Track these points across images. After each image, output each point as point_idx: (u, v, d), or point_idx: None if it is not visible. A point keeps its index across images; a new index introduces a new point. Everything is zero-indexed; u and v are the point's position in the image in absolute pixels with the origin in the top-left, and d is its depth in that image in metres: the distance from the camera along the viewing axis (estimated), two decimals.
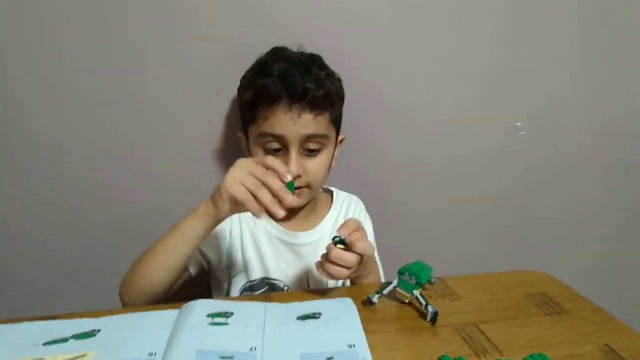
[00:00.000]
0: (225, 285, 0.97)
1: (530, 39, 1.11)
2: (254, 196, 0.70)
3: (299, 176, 0.89)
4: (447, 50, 1.09)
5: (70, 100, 0.99)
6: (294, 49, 0.97)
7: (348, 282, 0.92)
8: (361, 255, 0.74)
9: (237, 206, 0.73)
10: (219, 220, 0.78)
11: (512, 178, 1.23)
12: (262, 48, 0.96)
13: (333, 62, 0.96)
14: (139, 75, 0.99)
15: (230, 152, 1.07)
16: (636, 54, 1.17)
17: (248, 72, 0.95)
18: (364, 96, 1.06)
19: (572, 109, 1.19)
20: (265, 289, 0.95)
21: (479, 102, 1.15)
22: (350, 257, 0.74)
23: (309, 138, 0.89)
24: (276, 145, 0.89)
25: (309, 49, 0.97)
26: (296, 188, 0.90)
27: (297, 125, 0.87)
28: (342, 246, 0.75)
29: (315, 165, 0.92)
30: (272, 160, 0.74)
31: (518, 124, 1.20)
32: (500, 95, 1.15)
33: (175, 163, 1.06)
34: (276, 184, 0.70)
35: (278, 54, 0.93)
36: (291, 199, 0.70)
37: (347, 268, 0.74)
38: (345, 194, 1.08)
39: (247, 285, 0.95)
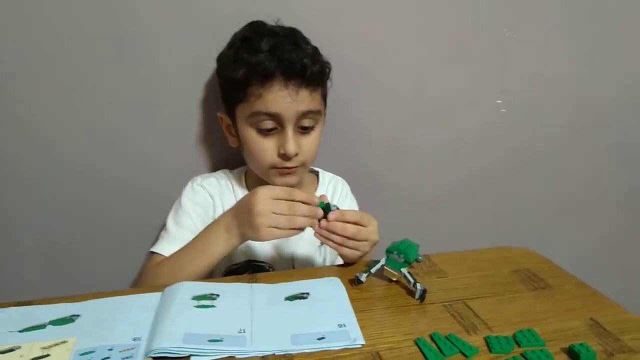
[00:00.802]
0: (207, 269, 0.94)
1: (516, 20, 1.10)
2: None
3: (296, 154, 0.87)
4: (434, 32, 1.07)
5: (53, 67, 0.93)
6: (272, 23, 0.93)
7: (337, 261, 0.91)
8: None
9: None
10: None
11: (499, 159, 1.23)
12: (238, 27, 0.92)
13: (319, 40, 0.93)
14: (112, 59, 0.95)
15: (208, 134, 1.03)
16: (622, 35, 1.18)
17: (228, 49, 0.90)
18: (350, 75, 1.03)
19: (559, 90, 1.19)
20: (250, 272, 0.93)
21: (467, 84, 1.14)
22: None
23: (305, 115, 0.86)
24: (270, 124, 0.86)
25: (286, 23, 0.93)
26: (292, 167, 0.89)
27: (294, 102, 0.84)
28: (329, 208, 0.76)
29: (310, 143, 0.90)
30: (297, 194, 0.75)
31: (498, 101, 1.19)
32: (487, 77, 1.14)
33: (152, 150, 1.02)
34: (304, 210, 0.74)
35: (261, 29, 0.89)
36: (320, 213, 0.75)
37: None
38: (331, 175, 1.06)
39: (232, 268, 0.93)
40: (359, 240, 0.76)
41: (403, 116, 1.13)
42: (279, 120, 0.85)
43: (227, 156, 1.04)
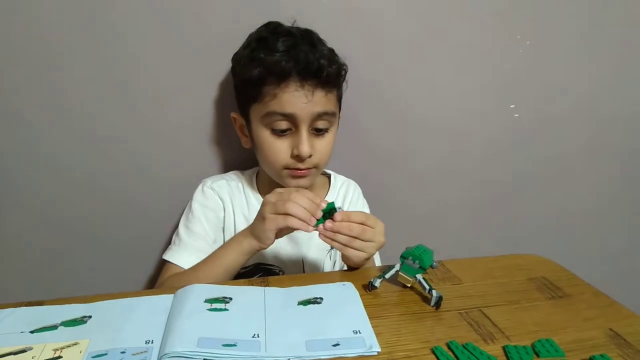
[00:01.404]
0: None
1: (532, 32, 1.09)
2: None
3: (309, 156, 0.86)
4: (447, 42, 1.06)
5: (54, 84, 0.93)
6: (288, 24, 0.92)
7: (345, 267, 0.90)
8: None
9: (281, 232, 0.77)
10: (263, 249, 0.80)
11: (510, 166, 1.22)
12: (251, 28, 0.91)
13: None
14: (123, 60, 0.94)
15: (221, 135, 1.02)
16: (637, 47, 1.17)
17: (244, 49, 0.89)
18: (361, 83, 1.02)
19: (571, 97, 1.18)
20: (260, 275, 0.92)
21: (478, 94, 1.13)
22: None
23: (319, 116, 0.85)
24: (284, 125, 0.85)
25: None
26: (304, 169, 0.88)
27: (310, 103, 0.83)
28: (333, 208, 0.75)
29: (324, 145, 0.89)
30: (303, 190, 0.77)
31: (512, 106, 1.18)
32: (499, 87, 1.13)
33: (164, 149, 1.01)
34: (304, 202, 0.74)
35: (277, 29, 0.88)
36: (319, 214, 0.74)
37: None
38: (343, 178, 1.05)
39: (242, 271, 0.92)
40: (364, 241, 0.75)
41: (413, 125, 1.12)
42: (293, 121, 0.84)
43: (239, 157, 1.04)
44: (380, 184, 1.15)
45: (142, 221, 1.04)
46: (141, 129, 0.99)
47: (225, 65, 0.95)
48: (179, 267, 0.89)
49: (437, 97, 1.11)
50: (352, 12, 0.99)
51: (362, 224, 0.75)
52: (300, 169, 0.88)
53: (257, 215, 0.79)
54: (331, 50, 0.89)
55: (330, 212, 0.74)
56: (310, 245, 0.94)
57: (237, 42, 0.91)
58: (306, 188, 0.89)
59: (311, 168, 0.89)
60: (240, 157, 1.03)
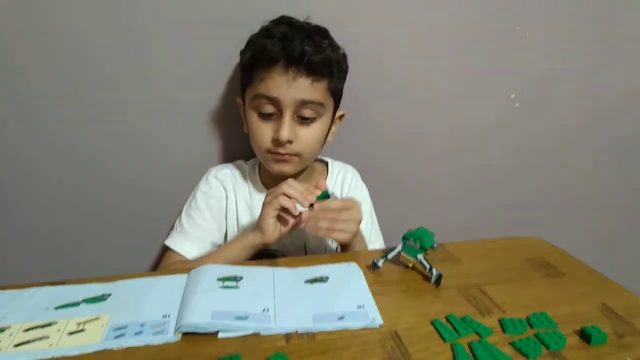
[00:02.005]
0: None
1: (527, 14, 1.12)
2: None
3: (289, 142, 0.89)
4: (447, 26, 1.09)
5: (65, 61, 0.96)
6: (301, 19, 0.95)
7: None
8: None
9: (281, 224, 0.84)
10: (267, 244, 0.85)
11: (509, 151, 1.25)
12: (269, 17, 0.95)
13: (337, 37, 0.95)
14: (138, 39, 0.97)
15: (229, 119, 1.06)
16: (631, 30, 1.19)
17: (252, 36, 0.93)
18: (364, 68, 1.05)
19: (568, 83, 1.21)
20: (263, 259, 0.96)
21: (478, 76, 1.16)
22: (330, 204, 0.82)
23: (304, 104, 0.88)
24: (270, 108, 0.88)
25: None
26: (285, 154, 0.91)
27: (292, 88, 0.86)
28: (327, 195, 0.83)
29: (308, 134, 0.91)
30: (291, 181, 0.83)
31: (512, 95, 1.21)
32: (498, 70, 1.16)
33: (174, 129, 1.05)
34: (295, 185, 0.82)
35: (282, 20, 0.92)
36: (317, 193, 0.83)
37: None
38: (341, 164, 1.08)
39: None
40: (343, 221, 0.82)
41: (414, 108, 1.15)
42: (277, 105, 0.87)
43: (243, 146, 1.07)
44: (384, 168, 1.18)
45: (153, 205, 1.08)
46: (153, 116, 1.03)
47: (233, 55, 0.97)
48: (180, 254, 0.93)
49: (438, 81, 1.14)
50: (356, 18, 1.03)
51: (340, 209, 0.82)
52: (280, 154, 0.91)
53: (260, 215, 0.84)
54: (332, 45, 0.91)
55: (324, 198, 0.81)
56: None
57: (247, 33, 0.94)
58: (293, 175, 0.94)
59: (293, 155, 0.91)
60: (247, 144, 1.07)
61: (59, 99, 0.98)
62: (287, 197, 0.81)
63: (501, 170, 1.26)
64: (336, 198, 0.83)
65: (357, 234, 0.86)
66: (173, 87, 1.01)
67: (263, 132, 0.90)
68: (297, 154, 0.92)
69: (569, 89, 1.22)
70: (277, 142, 0.89)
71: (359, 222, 0.85)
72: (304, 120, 0.90)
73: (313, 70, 0.87)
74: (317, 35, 0.90)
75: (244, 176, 1.01)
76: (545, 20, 1.14)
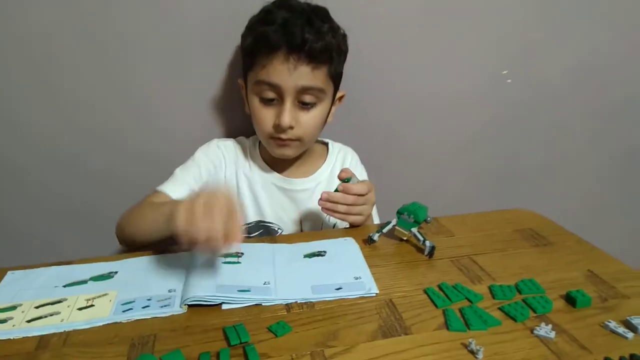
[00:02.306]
0: None
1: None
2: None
3: (291, 128, 0.90)
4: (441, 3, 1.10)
5: (74, 44, 0.97)
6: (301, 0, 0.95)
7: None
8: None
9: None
10: None
11: (495, 119, 1.27)
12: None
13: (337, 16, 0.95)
14: (142, 20, 0.98)
15: (231, 98, 1.07)
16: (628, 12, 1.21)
17: (252, 18, 0.93)
18: (361, 60, 1.06)
19: (553, 52, 1.22)
20: (260, 232, 0.99)
21: (470, 53, 1.17)
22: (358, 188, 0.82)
23: (305, 90, 0.89)
24: (271, 94, 0.89)
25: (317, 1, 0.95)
26: (287, 139, 0.92)
27: (293, 76, 0.87)
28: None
29: (309, 119, 0.92)
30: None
31: (504, 72, 1.23)
32: (485, 40, 1.17)
33: (177, 109, 1.07)
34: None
35: (283, 3, 0.92)
36: (342, 175, 0.83)
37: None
38: (340, 145, 1.09)
39: (243, 227, 0.97)
40: (359, 205, 0.84)
41: (409, 98, 1.17)
42: (279, 92, 0.89)
43: (244, 122, 1.09)
44: (380, 155, 1.20)
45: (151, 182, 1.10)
46: (156, 95, 1.04)
47: (235, 34, 0.97)
48: (165, 194, 0.91)
49: (435, 72, 1.16)
50: None
51: (360, 194, 0.83)
52: (282, 139, 0.92)
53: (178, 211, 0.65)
54: (331, 28, 0.91)
55: (347, 181, 0.82)
56: (309, 205, 1.00)
57: (247, 14, 0.94)
58: (294, 158, 0.97)
59: (294, 140, 0.93)
60: (246, 122, 1.08)
61: (55, 94, 1.00)
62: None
63: (488, 139, 1.28)
64: (358, 181, 0.84)
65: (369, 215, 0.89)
66: (175, 67, 1.02)
67: (265, 117, 0.92)
68: (298, 139, 0.93)
69: (551, 58, 1.23)
70: (278, 127, 0.90)
71: (373, 203, 0.88)
72: (305, 106, 0.91)
73: (314, 58, 0.87)
74: (317, 19, 0.90)
75: (245, 151, 1.03)
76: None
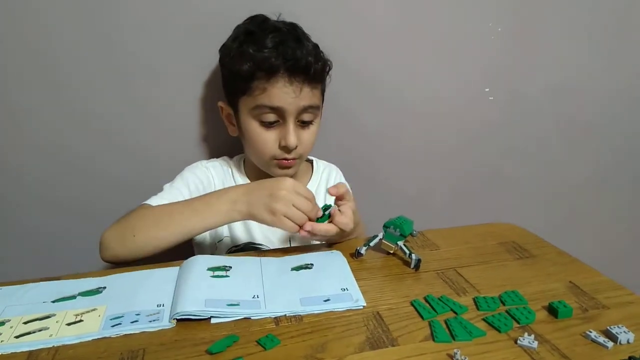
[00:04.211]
0: (209, 252, 0.98)
1: (505, 17, 1.18)
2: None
3: (296, 147, 0.92)
4: (427, 29, 1.14)
5: (50, 64, 0.98)
6: (273, 17, 0.97)
7: None
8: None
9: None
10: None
11: (491, 149, 1.32)
12: (238, 19, 0.97)
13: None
14: (121, 40, 0.99)
15: (212, 120, 1.08)
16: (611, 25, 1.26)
17: (232, 42, 0.93)
18: (348, 70, 1.09)
19: (546, 82, 1.27)
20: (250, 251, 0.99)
21: (457, 78, 1.21)
22: (331, 229, 0.79)
23: (305, 110, 0.91)
24: (272, 117, 0.90)
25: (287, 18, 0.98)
26: (291, 159, 0.94)
27: (298, 98, 0.88)
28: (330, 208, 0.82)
29: (309, 136, 0.95)
30: (311, 195, 0.80)
31: (487, 89, 1.26)
32: (477, 72, 1.22)
33: (158, 130, 1.08)
34: (313, 214, 0.78)
35: (264, 24, 0.93)
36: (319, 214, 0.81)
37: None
38: (325, 162, 1.11)
39: (233, 249, 0.98)
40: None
41: (396, 108, 1.20)
42: (281, 114, 0.90)
43: (225, 144, 1.10)
44: (367, 165, 1.22)
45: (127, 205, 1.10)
46: (136, 117, 1.05)
47: (213, 55, 0.99)
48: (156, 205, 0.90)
49: (419, 81, 1.19)
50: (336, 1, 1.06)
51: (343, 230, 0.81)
52: (287, 159, 0.94)
53: (264, 201, 0.78)
54: (316, 46, 0.94)
55: (325, 210, 0.82)
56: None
57: (225, 31, 0.96)
58: (291, 176, 0.96)
59: (297, 158, 0.95)
60: (227, 144, 1.09)
61: (46, 102, 1.00)
62: (293, 224, 0.77)
63: (484, 165, 1.32)
64: (334, 207, 0.82)
65: (342, 236, 0.85)
66: (156, 89, 1.04)
67: (268, 140, 0.92)
68: (299, 157, 0.95)
69: (545, 83, 1.27)
70: (285, 148, 0.91)
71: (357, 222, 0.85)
72: (304, 124, 0.93)
73: (314, 78, 0.90)
74: (302, 37, 0.93)
75: (230, 173, 1.03)
76: (522, 19, 1.19)
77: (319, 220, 0.80)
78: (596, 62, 1.30)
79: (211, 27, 0.99)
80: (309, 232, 0.77)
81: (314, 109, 0.93)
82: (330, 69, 0.98)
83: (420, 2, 1.11)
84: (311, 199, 0.79)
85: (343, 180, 1.10)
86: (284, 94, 0.88)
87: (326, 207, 0.82)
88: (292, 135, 0.90)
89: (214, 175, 1.01)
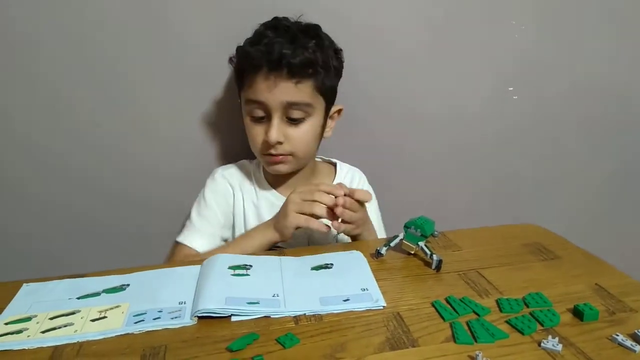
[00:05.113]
0: None
1: (527, 16, 1.16)
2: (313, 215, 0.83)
3: (279, 143, 0.92)
4: (444, 18, 1.12)
5: (75, 64, 1.00)
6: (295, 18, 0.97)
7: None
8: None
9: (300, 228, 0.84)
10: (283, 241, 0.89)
11: (511, 155, 1.29)
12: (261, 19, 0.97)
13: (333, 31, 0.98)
14: (144, 40, 1.01)
15: (226, 125, 1.10)
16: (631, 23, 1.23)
17: (244, 42, 0.96)
18: (362, 79, 1.09)
19: (552, 68, 1.23)
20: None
21: (476, 71, 1.19)
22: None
23: (291, 106, 0.91)
24: (260, 112, 0.92)
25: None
26: (278, 155, 0.94)
27: (274, 92, 0.89)
28: None
29: (299, 134, 0.94)
30: (324, 186, 0.84)
31: (510, 88, 1.24)
32: (497, 79, 1.20)
33: (182, 128, 1.10)
34: (325, 199, 0.82)
35: (275, 23, 0.94)
36: (342, 201, 0.81)
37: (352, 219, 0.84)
38: (348, 166, 1.10)
39: None
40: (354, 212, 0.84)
41: (413, 117, 1.19)
42: (266, 109, 0.91)
43: (245, 146, 1.10)
44: (388, 165, 1.21)
45: (156, 205, 1.13)
46: (159, 121, 1.08)
47: (215, 57, 1.00)
48: (191, 248, 0.96)
49: (442, 82, 1.18)
50: (351, 10, 1.06)
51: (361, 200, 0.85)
52: (272, 154, 0.94)
53: (281, 212, 0.87)
54: (319, 45, 0.92)
55: None
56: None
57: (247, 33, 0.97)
58: (291, 174, 0.99)
59: (287, 155, 0.94)
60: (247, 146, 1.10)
61: (80, 100, 1.04)
62: (315, 220, 0.83)
63: (504, 170, 1.30)
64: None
65: (365, 224, 0.89)
66: (179, 87, 1.05)
67: (257, 135, 0.94)
68: (290, 154, 0.95)
69: (554, 76, 1.24)
70: (266, 143, 0.93)
71: (366, 222, 0.90)
72: (293, 121, 0.93)
73: (295, 73, 0.89)
74: (305, 36, 0.92)
75: (249, 175, 1.04)
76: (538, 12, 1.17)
77: None
78: (622, 60, 1.26)
79: (233, 29, 0.99)
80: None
81: (303, 105, 0.91)
82: (333, 65, 0.95)
83: (442, 2, 1.10)
84: (323, 189, 0.83)
85: (367, 184, 1.10)
86: (263, 87, 0.89)
87: None
88: (273, 131, 0.91)
89: (232, 183, 1.03)
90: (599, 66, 1.26)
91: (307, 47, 0.90)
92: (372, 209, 1.04)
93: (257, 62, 0.88)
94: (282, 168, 0.97)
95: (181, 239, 0.99)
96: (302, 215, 0.83)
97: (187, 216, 1.03)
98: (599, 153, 1.36)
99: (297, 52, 0.88)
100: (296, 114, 0.92)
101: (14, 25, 0.96)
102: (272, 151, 0.94)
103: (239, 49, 0.95)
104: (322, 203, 0.82)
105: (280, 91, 0.89)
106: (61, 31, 0.98)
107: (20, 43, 0.97)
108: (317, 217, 0.83)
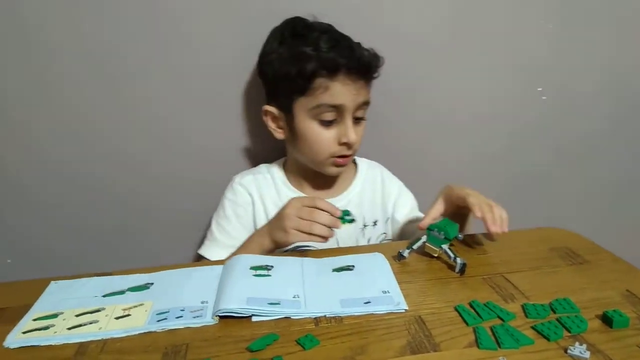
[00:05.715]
0: None
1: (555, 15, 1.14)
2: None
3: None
4: (467, 15, 1.11)
5: (99, 64, 1.02)
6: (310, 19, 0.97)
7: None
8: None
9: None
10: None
11: (539, 156, 1.27)
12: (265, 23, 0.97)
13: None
14: (165, 41, 1.02)
15: (244, 131, 1.10)
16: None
17: (278, 45, 0.94)
18: (388, 81, 1.06)
19: (580, 67, 1.20)
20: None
21: (501, 73, 1.17)
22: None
23: (361, 106, 0.92)
24: (332, 115, 0.91)
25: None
26: (345, 156, 0.94)
27: (354, 94, 0.90)
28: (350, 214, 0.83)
29: (361, 131, 0.96)
30: (321, 203, 0.83)
31: (539, 89, 1.22)
32: (510, 57, 1.17)
33: (206, 130, 1.10)
34: (325, 219, 0.81)
35: (311, 26, 0.94)
36: (339, 225, 0.82)
37: None
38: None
39: (282, 250, 0.98)
40: None
41: (439, 119, 1.18)
42: (340, 111, 0.90)
43: (264, 150, 1.11)
44: (413, 165, 1.19)
45: (186, 204, 1.14)
46: (176, 125, 1.08)
47: (251, 61, 1.01)
48: (210, 261, 0.96)
49: (469, 82, 1.16)
50: (375, 11, 1.05)
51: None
52: (346, 156, 0.95)
53: (277, 224, 0.85)
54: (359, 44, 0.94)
55: (343, 216, 0.83)
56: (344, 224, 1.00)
57: (259, 38, 0.97)
58: (314, 175, 0.99)
59: (352, 155, 0.96)
60: (267, 150, 1.10)
61: (97, 107, 1.05)
62: (321, 227, 0.81)
63: (531, 171, 1.28)
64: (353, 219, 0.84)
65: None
66: (201, 90, 1.06)
67: (328, 139, 0.93)
68: (354, 153, 0.97)
69: (595, 84, 1.21)
70: (346, 145, 0.93)
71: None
72: (357, 120, 0.94)
73: (370, 73, 0.92)
74: (344, 35, 0.94)
75: (270, 179, 1.03)
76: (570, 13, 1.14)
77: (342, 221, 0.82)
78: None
79: (247, 34, 1.00)
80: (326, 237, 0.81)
81: (367, 104, 0.94)
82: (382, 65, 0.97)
83: (469, 2, 1.09)
84: (322, 207, 0.82)
85: (392, 177, 1.09)
86: (346, 91, 0.89)
87: (346, 212, 0.82)
88: (352, 132, 0.92)
89: (250, 190, 1.02)
90: (628, 66, 1.22)
91: (363, 47, 0.93)
92: (409, 196, 1.08)
93: (339, 65, 0.87)
94: (344, 169, 0.98)
95: (202, 251, 1.00)
96: (302, 233, 0.81)
97: (208, 225, 1.04)
98: (632, 154, 1.32)
99: (366, 53, 0.91)
100: (361, 113, 0.94)
101: (26, 26, 0.97)
102: (348, 152, 0.94)
103: (294, 52, 0.90)
104: (320, 222, 0.81)
105: (359, 92, 0.90)
106: (75, 32, 0.99)
107: (30, 44, 0.99)
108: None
